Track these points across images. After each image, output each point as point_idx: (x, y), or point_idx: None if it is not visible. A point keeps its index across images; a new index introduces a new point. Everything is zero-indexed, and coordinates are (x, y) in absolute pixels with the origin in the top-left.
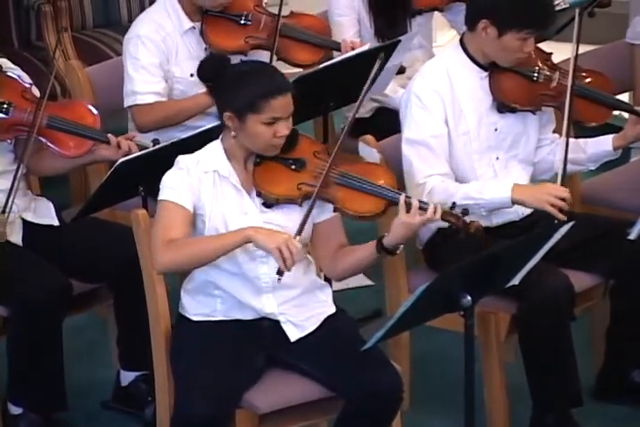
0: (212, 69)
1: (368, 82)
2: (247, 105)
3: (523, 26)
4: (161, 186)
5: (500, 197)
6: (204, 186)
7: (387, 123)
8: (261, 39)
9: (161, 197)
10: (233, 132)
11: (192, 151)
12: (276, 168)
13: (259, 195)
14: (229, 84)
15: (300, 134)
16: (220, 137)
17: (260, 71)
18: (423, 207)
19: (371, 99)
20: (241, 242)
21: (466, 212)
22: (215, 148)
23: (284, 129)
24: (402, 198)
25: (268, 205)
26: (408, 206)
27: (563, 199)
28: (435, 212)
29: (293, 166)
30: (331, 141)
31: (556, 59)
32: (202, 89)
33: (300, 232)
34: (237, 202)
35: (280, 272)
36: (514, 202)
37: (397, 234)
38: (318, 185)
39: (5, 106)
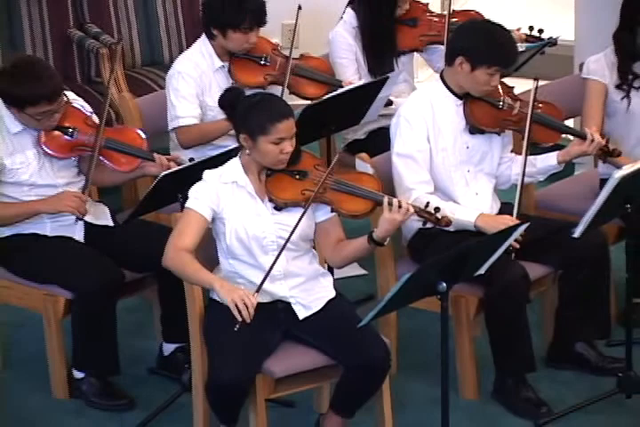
0: (229, 99)
1: (331, 166)
2: (258, 128)
3: (492, 63)
4: (189, 195)
5: (466, 220)
6: (224, 195)
7: (379, 143)
8: (277, 76)
9: (187, 204)
10: (248, 151)
11: (218, 167)
12: (283, 178)
13: (270, 200)
14: (244, 111)
15: (302, 151)
16: (239, 155)
17: (267, 101)
18: (402, 206)
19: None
20: (209, 287)
21: (438, 209)
22: (235, 163)
23: (288, 147)
24: (385, 199)
25: (278, 208)
26: (390, 206)
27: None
28: (410, 209)
29: (297, 176)
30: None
31: (516, 91)
32: None
33: (258, 289)
34: (252, 206)
35: (237, 322)
36: (476, 227)
37: (383, 228)
38: (316, 189)
39: (71, 130)
